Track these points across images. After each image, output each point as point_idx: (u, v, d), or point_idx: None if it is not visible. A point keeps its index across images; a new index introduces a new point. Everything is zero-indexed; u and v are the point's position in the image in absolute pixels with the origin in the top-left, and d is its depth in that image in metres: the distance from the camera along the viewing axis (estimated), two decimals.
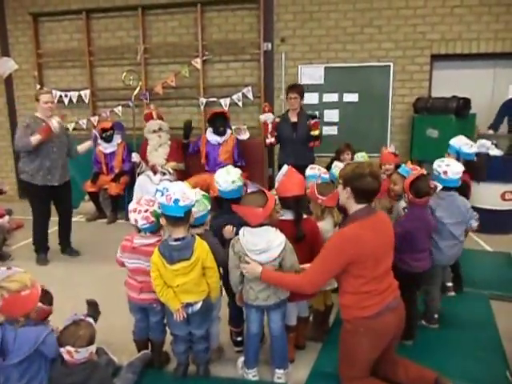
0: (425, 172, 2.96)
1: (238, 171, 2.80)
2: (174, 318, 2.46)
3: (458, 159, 3.31)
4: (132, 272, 2.65)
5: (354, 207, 2.27)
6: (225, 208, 2.74)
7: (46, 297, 2.44)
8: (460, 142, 3.52)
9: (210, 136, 5.87)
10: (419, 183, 2.81)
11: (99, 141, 5.86)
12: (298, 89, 4.99)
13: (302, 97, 4.98)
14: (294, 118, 4.98)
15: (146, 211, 2.52)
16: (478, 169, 3.62)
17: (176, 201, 2.25)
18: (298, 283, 2.32)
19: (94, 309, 3.02)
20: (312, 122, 4.83)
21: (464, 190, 3.40)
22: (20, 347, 2.13)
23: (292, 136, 4.93)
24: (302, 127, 4.91)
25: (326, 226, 2.84)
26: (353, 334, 2.25)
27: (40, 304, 2.39)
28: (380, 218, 2.30)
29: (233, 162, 5.75)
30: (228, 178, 2.70)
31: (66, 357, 2.15)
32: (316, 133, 4.84)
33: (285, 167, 2.76)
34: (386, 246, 2.22)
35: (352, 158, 4.53)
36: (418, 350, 2.85)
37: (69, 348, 2.12)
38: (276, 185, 2.70)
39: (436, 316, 3.17)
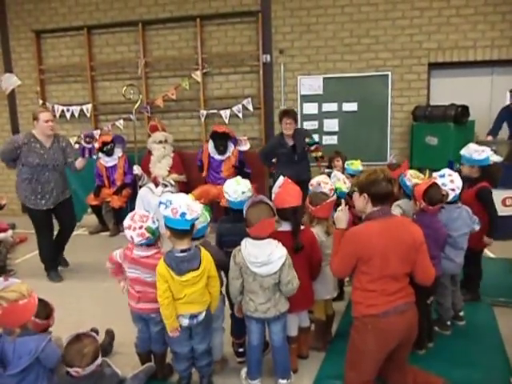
0: (435, 180, 2.99)
1: (247, 182, 2.82)
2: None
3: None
4: (132, 281, 2.67)
5: (369, 210, 2.34)
6: (230, 217, 2.78)
7: (44, 310, 2.46)
8: (469, 150, 3.46)
9: (213, 152, 5.90)
10: (432, 191, 2.86)
11: (97, 155, 5.91)
12: (293, 114, 5.10)
13: (296, 121, 5.13)
14: (290, 142, 5.13)
15: (141, 227, 2.52)
16: (496, 173, 3.58)
17: (183, 214, 2.26)
18: (331, 262, 2.45)
19: (110, 338, 3.10)
20: (313, 148, 5.11)
21: (488, 197, 3.44)
22: (20, 357, 2.15)
23: (293, 158, 5.12)
24: (300, 147, 5.13)
25: (316, 231, 2.86)
26: (360, 331, 2.29)
27: (33, 318, 2.40)
28: (396, 221, 2.33)
29: (239, 174, 5.79)
30: (238, 189, 2.72)
31: (73, 373, 2.19)
32: (319, 154, 5.18)
33: (281, 178, 2.77)
34: (397, 248, 2.21)
35: (343, 165, 4.66)
36: (423, 357, 2.88)
37: (76, 369, 2.17)
38: (273, 196, 2.71)
39: (448, 323, 3.21)
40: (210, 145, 5.92)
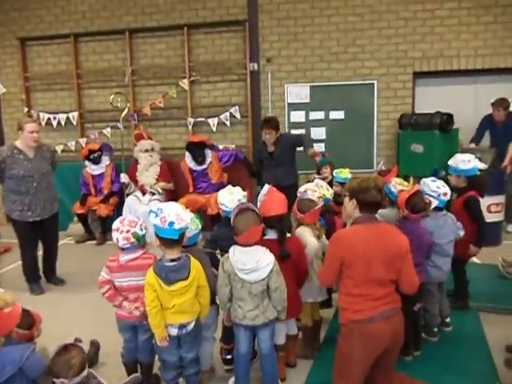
0: (419, 187, 3.03)
1: (240, 190, 2.85)
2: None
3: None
4: (127, 290, 2.64)
5: (357, 215, 2.38)
6: (225, 221, 2.79)
7: (27, 321, 2.42)
8: (456, 160, 3.50)
9: (192, 164, 5.80)
10: (415, 199, 2.89)
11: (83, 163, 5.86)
12: (272, 124, 5.08)
13: (277, 130, 5.09)
14: (270, 148, 5.16)
15: (128, 232, 2.54)
16: (483, 183, 3.56)
17: (171, 223, 2.25)
18: (318, 272, 2.55)
19: (95, 349, 3.04)
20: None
21: (476, 207, 3.45)
22: (4, 367, 2.11)
23: (271, 163, 5.16)
24: (278, 154, 5.11)
25: (301, 230, 2.90)
26: (347, 337, 2.30)
27: (15, 329, 2.37)
28: (382, 228, 2.36)
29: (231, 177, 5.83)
30: (233, 198, 2.75)
31: None
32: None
33: (266, 187, 2.79)
34: (380, 253, 2.24)
35: (331, 172, 4.66)
36: (410, 363, 2.89)
37: (62, 380, 2.13)
38: (258, 205, 2.72)
39: (435, 329, 3.22)
40: (188, 158, 5.81)
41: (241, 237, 2.38)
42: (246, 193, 2.88)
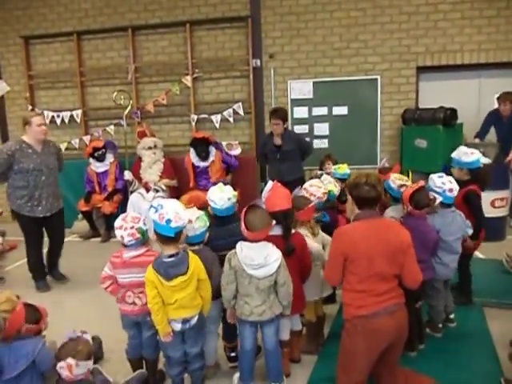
0: (423, 183, 3.02)
1: (230, 188, 2.83)
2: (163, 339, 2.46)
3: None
4: (128, 287, 2.65)
5: (357, 211, 2.40)
6: (216, 222, 2.79)
7: (33, 315, 2.46)
8: (459, 153, 3.48)
9: (196, 160, 5.87)
10: (419, 195, 2.88)
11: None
12: (280, 114, 5.10)
13: (284, 121, 5.11)
14: (277, 142, 5.16)
15: (132, 228, 2.55)
16: (485, 176, 3.53)
17: (168, 221, 2.27)
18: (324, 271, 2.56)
19: (97, 344, 3.08)
20: None
21: (475, 201, 3.43)
22: (17, 361, 2.15)
23: (276, 156, 5.16)
24: (285, 149, 5.10)
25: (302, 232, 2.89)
26: (351, 333, 2.31)
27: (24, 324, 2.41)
28: (383, 223, 2.38)
29: (225, 175, 5.90)
30: (223, 195, 2.73)
31: (65, 372, 2.17)
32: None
33: (270, 183, 2.79)
34: (382, 248, 2.25)
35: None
36: (415, 359, 2.89)
37: (69, 360, 2.15)
38: (263, 200, 2.72)
39: (440, 325, 3.22)
40: (192, 154, 5.88)
41: (255, 233, 2.38)
42: (236, 192, 2.84)
